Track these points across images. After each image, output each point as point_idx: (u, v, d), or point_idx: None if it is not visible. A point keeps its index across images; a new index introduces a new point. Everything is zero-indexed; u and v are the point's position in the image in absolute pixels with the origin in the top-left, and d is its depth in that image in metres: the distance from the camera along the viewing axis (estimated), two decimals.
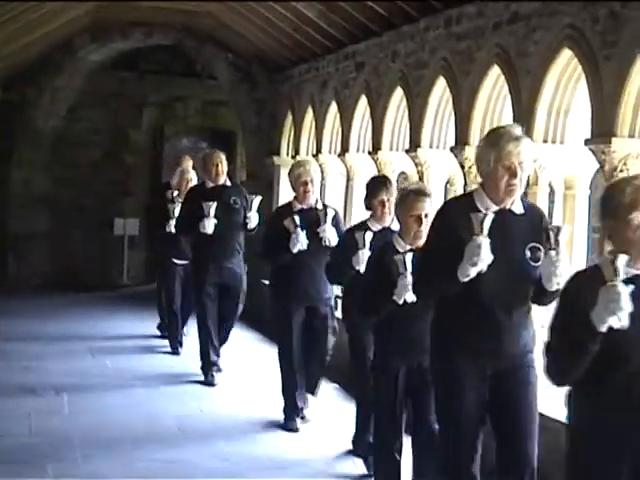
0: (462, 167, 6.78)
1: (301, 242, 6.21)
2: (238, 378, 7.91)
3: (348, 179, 9.18)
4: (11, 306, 10.90)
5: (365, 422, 5.62)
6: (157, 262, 9.59)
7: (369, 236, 5.38)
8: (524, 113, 5.93)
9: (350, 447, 5.88)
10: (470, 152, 6.66)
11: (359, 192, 8.93)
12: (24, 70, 11.95)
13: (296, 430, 6.37)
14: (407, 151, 7.73)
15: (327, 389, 7.13)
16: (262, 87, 12.06)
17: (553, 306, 3.41)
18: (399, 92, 7.99)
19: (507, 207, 3.85)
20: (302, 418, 6.48)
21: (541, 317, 4.77)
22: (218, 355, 7.90)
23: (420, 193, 4.60)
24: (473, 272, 3.68)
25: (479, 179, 4.02)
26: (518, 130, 3.87)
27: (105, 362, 8.40)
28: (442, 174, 7.47)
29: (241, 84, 12.15)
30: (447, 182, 7.50)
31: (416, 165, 7.57)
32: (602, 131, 5.17)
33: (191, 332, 8.75)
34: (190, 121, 14.08)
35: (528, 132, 5.81)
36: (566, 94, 5.80)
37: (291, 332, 6.35)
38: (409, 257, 4.43)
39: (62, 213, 13.07)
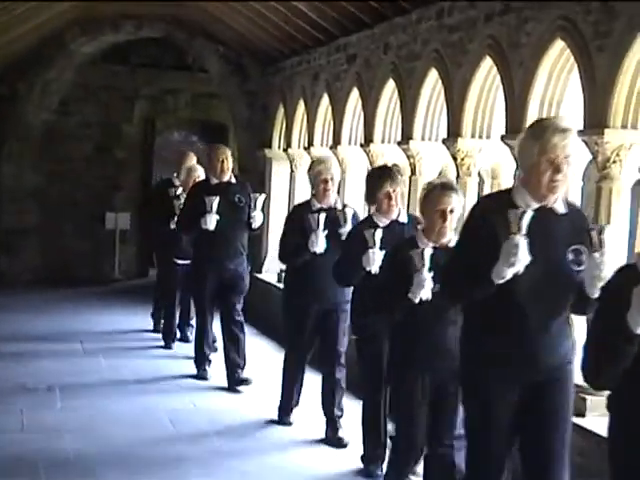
0: (454, 159, 6.76)
1: (320, 243, 5.91)
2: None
3: (340, 172, 9.15)
4: (2, 302, 10.84)
5: (373, 438, 5.40)
6: (159, 260, 9.38)
7: (379, 234, 5.05)
8: (516, 104, 5.91)
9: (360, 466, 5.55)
10: (462, 144, 6.65)
11: (351, 184, 8.93)
12: (14, 63, 11.86)
13: (290, 424, 6.35)
14: (399, 143, 7.71)
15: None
16: (253, 79, 12.01)
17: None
18: (391, 84, 7.97)
19: (548, 205, 3.59)
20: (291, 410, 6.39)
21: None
22: (215, 350, 7.87)
23: (446, 187, 4.39)
24: (509, 274, 3.43)
25: (520, 173, 3.76)
26: (565, 122, 3.62)
27: (98, 357, 8.36)
28: (434, 166, 7.45)
29: (232, 77, 12.10)
30: (439, 174, 7.48)
31: (408, 157, 7.55)
32: (595, 122, 5.15)
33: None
34: (181, 114, 14.03)
35: (520, 124, 5.82)
36: (559, 85, 5.78)
37: (304, 331, 6.09)
38: (427, 252, 4.22)
39: (53, 207, 13.01)
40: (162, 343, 8.95)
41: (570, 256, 3.54)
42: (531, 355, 3.56)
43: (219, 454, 5.74)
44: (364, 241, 5.06)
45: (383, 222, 5.21)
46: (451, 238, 4.40)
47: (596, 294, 3.35)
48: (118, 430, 6.12)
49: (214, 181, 7.40)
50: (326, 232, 5.89)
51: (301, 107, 10.34)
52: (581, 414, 4.88)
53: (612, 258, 3.40)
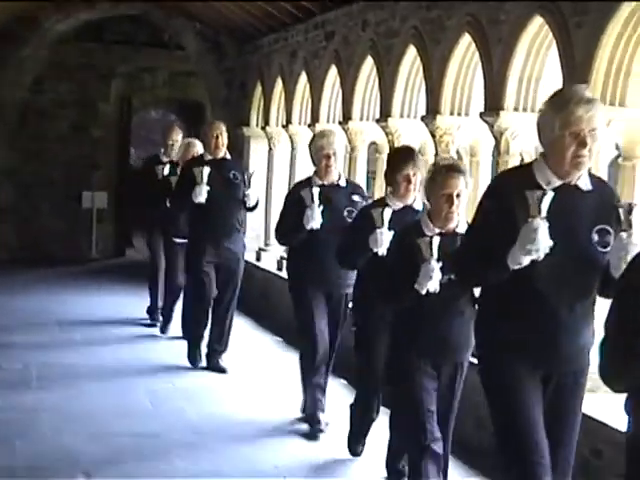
0: (433, 136, 6.74)
1: (315, 218, 5.56)
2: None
3: None
4: None
5: (362, 424, 5.29)
6: (155, 240, 8.86)
7: (388, 213, 4.72)
8: (495, 81, 5.89)
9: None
10: (441, 121, 6.63)
11: None
12: None
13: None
14: (378, 121, 7.68)
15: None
16: (230, 57, 11.93)
17: None
18: (369, 61, 7.93)
19: (572, 182, 3.30)
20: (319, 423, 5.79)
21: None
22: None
23: (453, 169, 4.09)
24: (526, 260, 3.17)
25: (540, 149, 3.45)
26: (588, 92, 3.33)
27: (75, 336, 8.31)
28: (413, 143, 7.41)
29: (209, 54, 12.01)
30: (418, 151, 7.44)
31: (387, 135, 7.53)
32: None
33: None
34: (158, 92, 13.94)
35: (499, 101, 5.81)
36: (537, 62, 5.77)
37: (313, 316, 5.66)
38: (436, 241, 3.96)
39: (28, 187, 12.90)
40: (145, 322, 8.89)
41: (595, 237, 3.29)
42: (551, 342, 3.33)
43: (198, 433, 5.70)
44: (372, 221, 4.77)
45: (396, 205, 4.86)
46: (458, 223, 4.17)
47: None
48: (96, 409, 6.09)
49: (208, 157, 7.21)
50: (321, 208, 5.57)
51: (279, 85, 10.28)
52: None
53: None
